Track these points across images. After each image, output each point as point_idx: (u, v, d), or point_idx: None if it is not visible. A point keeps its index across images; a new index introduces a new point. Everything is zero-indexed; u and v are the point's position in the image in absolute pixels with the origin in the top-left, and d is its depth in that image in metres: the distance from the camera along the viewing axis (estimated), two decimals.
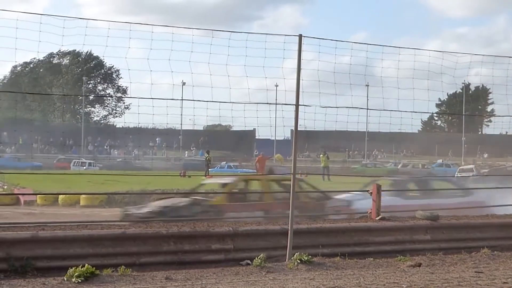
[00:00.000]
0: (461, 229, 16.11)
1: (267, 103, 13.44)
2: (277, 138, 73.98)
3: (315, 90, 13.79)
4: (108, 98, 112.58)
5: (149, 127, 78.14)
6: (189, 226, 13.86)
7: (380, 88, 14.85)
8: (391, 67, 14.94)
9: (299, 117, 12.99)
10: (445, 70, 15.29)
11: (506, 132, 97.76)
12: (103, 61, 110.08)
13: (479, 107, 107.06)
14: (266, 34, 13.01)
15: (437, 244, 15.13)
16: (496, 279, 10.82)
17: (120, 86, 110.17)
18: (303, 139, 63.18)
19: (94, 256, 11.87)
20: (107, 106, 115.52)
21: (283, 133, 77.03)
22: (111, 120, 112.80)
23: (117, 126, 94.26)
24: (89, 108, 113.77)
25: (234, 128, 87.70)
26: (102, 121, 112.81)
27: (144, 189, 26.52)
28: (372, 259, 12.95)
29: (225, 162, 48.51)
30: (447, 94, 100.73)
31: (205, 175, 38.71)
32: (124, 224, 13.38)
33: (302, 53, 12.69)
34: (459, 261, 13.02)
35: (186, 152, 77.97)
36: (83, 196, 28.27)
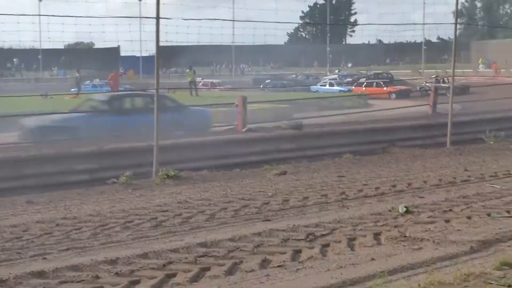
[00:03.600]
0: (325, 137, 16.57)
1: (127, 17, 12.99)
2: (143, 55, 72.61)
3: (178, 2, 13.40)
4: None
5: (5, 48, 74.24)
6: (52, 148, 13.40)
7: None
8: None
9: (161, 31, 12.66)
10: None
11: (369, 42, 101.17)
12: None
13: (342, 17, 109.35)
14: None
15: (302, 152, 15.51)
16: (357, 181, 11.23)
17: None
18: (169, 54, 62.19)
19: None
20: None
21: (146, 48, 75.72)
22: None
23: None
24: None
25: (97, 46, 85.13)
26: None
27: (4, 112, 25.24)
28: (239, 170, 13.08)
29: (89, 81, 46.89)
30: (308, 6, 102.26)
31: (77, 94, 37.52)
32: None
33: None
34: (323, 167, 13.41)
35: (47, 72, 74.83)
36: None
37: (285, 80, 55.18)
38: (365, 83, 47.18)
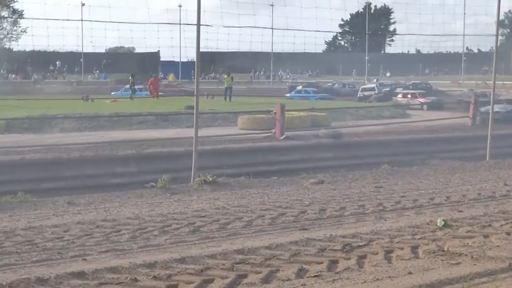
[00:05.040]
0: (362, 147, 16.54)
1: (169, 23, 13.16)
2: (182, 60, 73.12)
3: (219, 10, 13.55)
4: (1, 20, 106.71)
5: (49, 51, 75.22)
6: (92, 150, 13.61)
7: (284, 7, 14.75)
8: None
9: (201, 37, 12.80)
10: None
11: (408, 51, 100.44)
12: None
13: (382, 26, 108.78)
14: None
15: (339, 162, 15.51)
16: (395, 193, 11.17)
17: (16, 10, 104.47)
18: (207, 60, 62.53)
19: None
20: (1, 29, 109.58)
21: (186, 54, 76.23)
22: (7, 44, 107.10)
23: (14, 50, 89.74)
24: None
25: (137, 50, 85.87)
26: None
27: (45, 113, 25.66)
28: (276, 177, 13.11)
29: (129, 85, 47.32)
30: (350, 14, 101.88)
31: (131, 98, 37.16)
32: (22, 151, 12.96)
33: None
34: (360, 177, 13.37)
35: (89, 75, 75.83)
36: None
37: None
38: None
